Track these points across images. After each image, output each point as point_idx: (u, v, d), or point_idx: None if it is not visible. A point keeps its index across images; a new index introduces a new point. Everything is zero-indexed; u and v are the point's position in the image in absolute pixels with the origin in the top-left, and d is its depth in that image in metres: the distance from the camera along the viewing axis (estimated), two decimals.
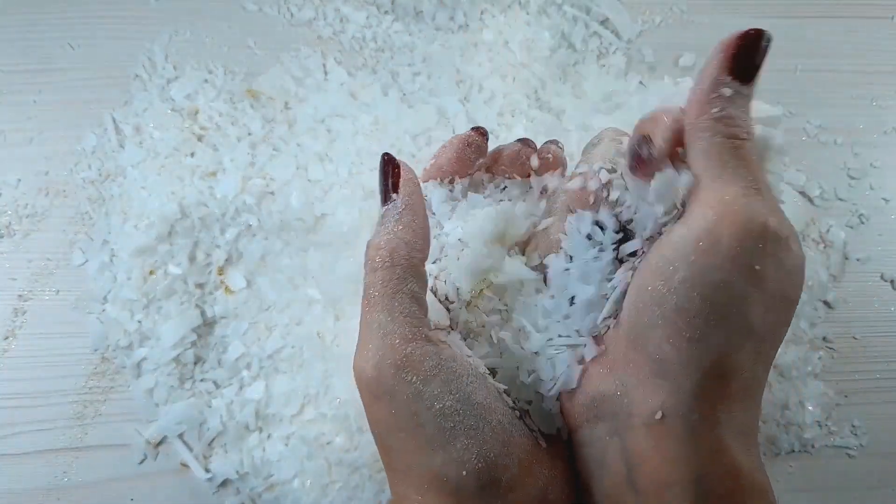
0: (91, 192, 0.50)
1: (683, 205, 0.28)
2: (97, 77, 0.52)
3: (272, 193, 0.48)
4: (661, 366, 0.27)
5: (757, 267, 0.26)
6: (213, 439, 0.45)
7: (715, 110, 0.27)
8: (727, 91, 0.27)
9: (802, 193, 0.52)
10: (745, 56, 0.27)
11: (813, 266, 0.50)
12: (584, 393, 0.29)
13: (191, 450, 0.44)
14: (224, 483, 0.44)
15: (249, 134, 0.51)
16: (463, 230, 0.32)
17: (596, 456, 0.28)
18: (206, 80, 0.53)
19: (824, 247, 0.51)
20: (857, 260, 0.51)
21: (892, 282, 0.51)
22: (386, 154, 0.30)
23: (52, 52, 0.53)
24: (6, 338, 0.47)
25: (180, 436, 0.45)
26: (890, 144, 0.54)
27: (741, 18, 0.57)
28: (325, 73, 0.54)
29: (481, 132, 0.34)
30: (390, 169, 0.30)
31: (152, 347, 0.45)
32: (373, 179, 0.47)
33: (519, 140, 0.35)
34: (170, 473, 0.44)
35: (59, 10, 0.54)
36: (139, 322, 0.46)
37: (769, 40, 0.27)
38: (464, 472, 0.27)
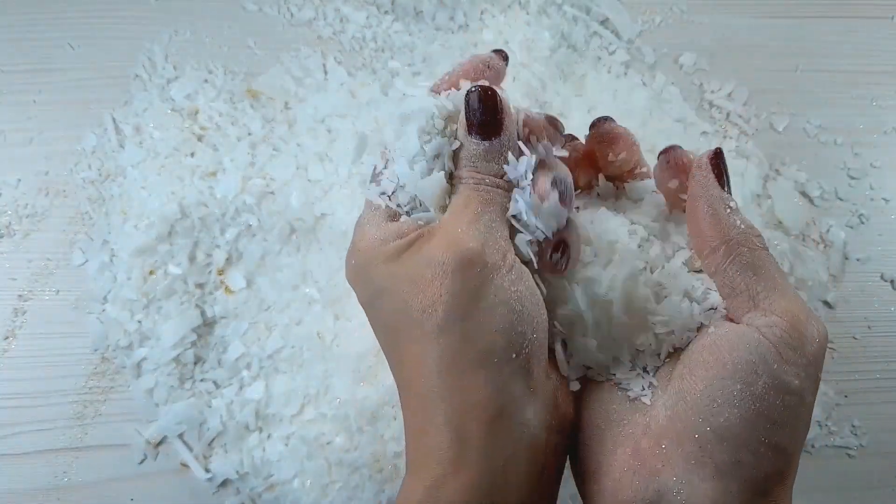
0: (91, 192, 0.50)
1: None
2: (97, 77, 0.52)
3: (272, 193, 0.48)
4: (733, 469, 0.27)
5: (818, 375, 0.28)
6: (213, 439, 0.45)
7: (740, 224, 0.28)
8: (733, 204, 0.28)
9: (803, 193, 0.52)
10: (724, 169, 0.29)
11: (813, 266, 0.50)
12: (634, 490, 0.28)
13: (191, 450, 0.44)
14: (224, 483, 0.44)
15: (249, 134, 0.51)
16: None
17: None
18: (206, 80, 0.53)
19: (824, 247, 0.51)
20: (857, 260, 0.51)
21: (892, 282, 0.51)
22: (490, 88, 0.29)
23: (52, 52, 0.53)
24: (6, 338, 0.47)
25: (180, 436, 0.45)
26: (890, 144, 0.54)
27: (741, 18, 0.57)
28: (325, 73, 0.54)
29: (503, 56, 0.32)
30: (495, 104, 0.29)
31: (152, 347, 0.45)
32: None
33: (546, 117, 0.32)
34: (170, 473, 0.44)
35: (59, 10, 0.54)
36: (139, 322, 0.46)
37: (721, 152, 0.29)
38: (513, 356, 0.28)
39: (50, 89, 0.52)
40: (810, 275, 0.49)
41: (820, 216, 0.52)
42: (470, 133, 0.29)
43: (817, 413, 0.47)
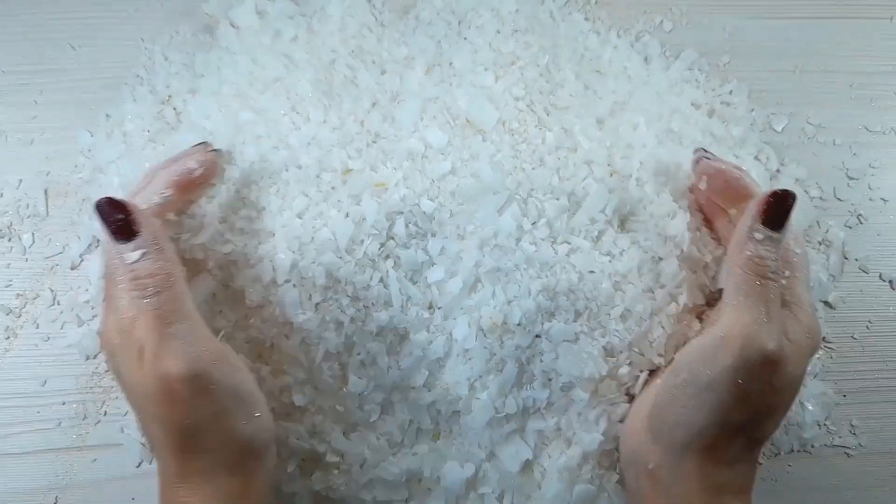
0: (85, 193, 0.49)
1: None
2: (97, 77, 0.52)
3: None
4: (657, 436, 0.37)
5: (740, 381, 0.33)
6: None
7: (748, 252, 0.35)
8: (759, 235, 0.35)
9: (804, 192, 0.52)
10: (776, 210, 0.35)
11: (813, 267, 0.50)
12: (621, 445, 0.40)
13: None
14: None
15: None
16: None
17: (635, 489, 0.39)
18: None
19: (824, 247, 0.51)
20: (856, 260, 0.51)
21: (890, 282, 0.51)
22: (106, 198, 0.34)
23: (52, 53, 0.53)
24: (7, 338, 0.47)
25: None
26: (889, 145, 0.54)
27: (741, 19, 0.56)
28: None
29: (207, 148, 0.42)
30: (122, 209, 0.34)
31: None
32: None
33: None
34: None
35: (59, 10, 0.54)
36: None
37: (794, 198, 0.35)
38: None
39: (51, 89, 0.52)
40: (813, 276, 0.49)
41: (819, 216, 0.52)
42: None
43: (817, 413, 0.47)
